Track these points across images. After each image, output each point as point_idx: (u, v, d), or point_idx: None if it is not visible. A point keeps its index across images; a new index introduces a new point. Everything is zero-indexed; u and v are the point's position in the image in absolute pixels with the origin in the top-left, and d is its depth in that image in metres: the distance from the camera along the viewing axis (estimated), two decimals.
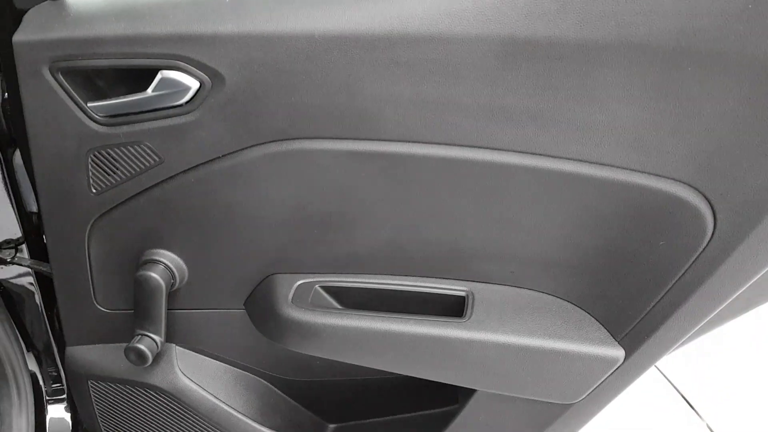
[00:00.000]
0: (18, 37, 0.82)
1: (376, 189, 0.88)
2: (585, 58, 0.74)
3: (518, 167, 0.83)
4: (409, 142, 0.84)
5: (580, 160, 0.82)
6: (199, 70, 0.81)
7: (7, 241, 1.07)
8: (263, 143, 0.86)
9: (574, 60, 0.74)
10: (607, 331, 0.94)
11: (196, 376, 1.07)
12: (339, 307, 1.00)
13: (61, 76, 0.83)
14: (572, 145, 0.81)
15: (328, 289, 0.99)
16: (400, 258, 0.96)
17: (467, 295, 0.98)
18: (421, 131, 0.82)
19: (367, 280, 0.98)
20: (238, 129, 0.85)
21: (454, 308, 0.98)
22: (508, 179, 0.85)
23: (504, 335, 0.93)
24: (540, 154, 0.82)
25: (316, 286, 0.99)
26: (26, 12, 0.85)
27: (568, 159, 0.82)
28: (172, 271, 0.97)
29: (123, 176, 0.90)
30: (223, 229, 0.94)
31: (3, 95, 0.99)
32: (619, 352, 0.92)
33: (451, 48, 0.76)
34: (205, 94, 0.83)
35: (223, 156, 0.87)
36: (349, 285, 0.99)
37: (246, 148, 0.86)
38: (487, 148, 0.83)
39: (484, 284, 0.98)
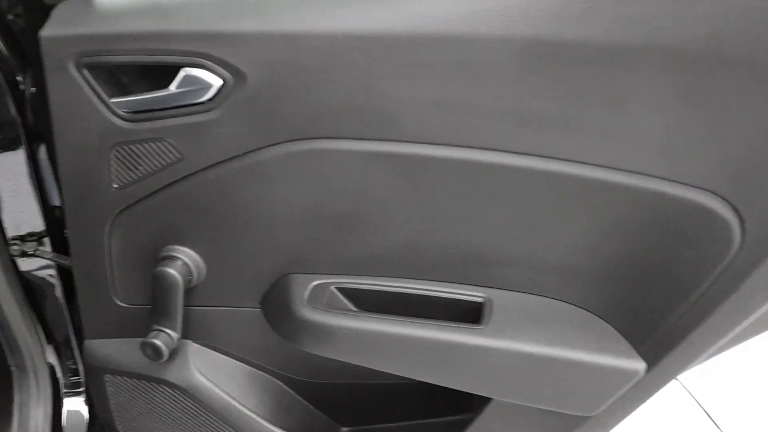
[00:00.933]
0: (45, 32, 0.82)
1: (394, 190, 0.88)
2: (612, 62, 0.72)
3: (541, 172, 0.82)
4: (429, 144, 0.83)
5: (605, 167, 0.80)
6: (222, 67, 0.81)
7: (31, 234, 1.08)
8: (282, 142, 0.85)
9: (601, 64, 0.73)
10: (629, 342, 0.92)
11: (211, 374, 1.07)
12: (354, 309, 0.99)
13: (86, 72, 0.84)
14: (597, 150, 0.79)
15: (344, 291, 0.99)
16: (418, 261, 0.95)
17: (485, 301, 0.96)
18: (441, 133, 0.81)
19: (383, 283, 0.98)
20: (258, 127, 0.85)
21: (471, 314, 0.97)
22: (530, 184, 0.84)
23: (522, 344, 0.91)
24: (564, 159, 0.81)
25: (332, 287, 0.98)
26: (54, 7, 0.86)
27: (593, 165, 0.81)
28: (190, 267, 0.97)
29: (144, 172, 0.90)
30: (240, 227, 0.94)
31: (31, 90, 1.01)
32: (640, 365, 0.90)
33: (474, 49, 0.75)
34: (227, 92, 0.83)
35: (242, 154, 0.87)
36: (365, 287, 0.98)
37: (265, 146, 0.86)
38: (509, 151, 0.82)
39: (502, 291, 0.97)
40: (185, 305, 0.99)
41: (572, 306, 0.96)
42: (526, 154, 0.81)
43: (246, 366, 1.10)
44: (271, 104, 0.83)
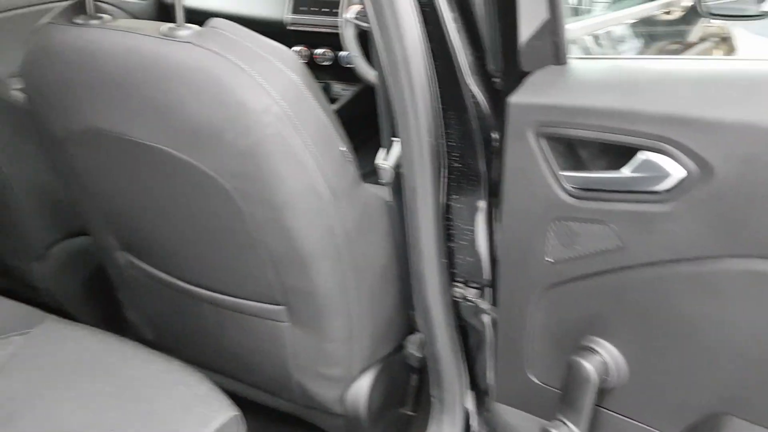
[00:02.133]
0: (513, 97, 0.84)
1: None
2: None
3: None
4: None
5: None
6: (688, 157, 0.70)
7: (476, 281, 1.12)
8: (748, 256, 0.69)
9: None
10: None
11: None
12: None
13: (543, 141, 0.82)
14: None
15: None
16: None
17: None
18: None
19: None
20: (719, 232, 0.71)
21: None
22: None
23: None
24: None
25: None
26: (528, 74, 0.86)
27: None
28: (609, 366, 0.87)
29: (580, 252, 0.84)
30: (676, 339, 0.80)
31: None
32: None
33: None
34: (688, 185, 0.71)
35: (693, 258, 0.74)
36: None
37: (724, 256, 0.71)
38: None
39: None
40: (596, 405, 0.89)
41: None
42: None
43: None
44: (740, 208, 0.68)
